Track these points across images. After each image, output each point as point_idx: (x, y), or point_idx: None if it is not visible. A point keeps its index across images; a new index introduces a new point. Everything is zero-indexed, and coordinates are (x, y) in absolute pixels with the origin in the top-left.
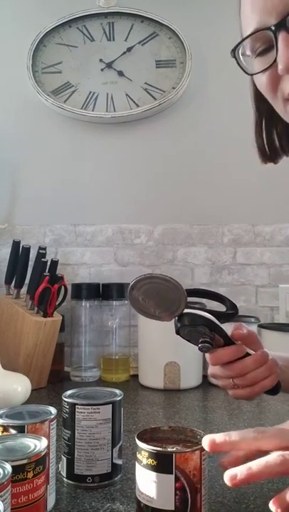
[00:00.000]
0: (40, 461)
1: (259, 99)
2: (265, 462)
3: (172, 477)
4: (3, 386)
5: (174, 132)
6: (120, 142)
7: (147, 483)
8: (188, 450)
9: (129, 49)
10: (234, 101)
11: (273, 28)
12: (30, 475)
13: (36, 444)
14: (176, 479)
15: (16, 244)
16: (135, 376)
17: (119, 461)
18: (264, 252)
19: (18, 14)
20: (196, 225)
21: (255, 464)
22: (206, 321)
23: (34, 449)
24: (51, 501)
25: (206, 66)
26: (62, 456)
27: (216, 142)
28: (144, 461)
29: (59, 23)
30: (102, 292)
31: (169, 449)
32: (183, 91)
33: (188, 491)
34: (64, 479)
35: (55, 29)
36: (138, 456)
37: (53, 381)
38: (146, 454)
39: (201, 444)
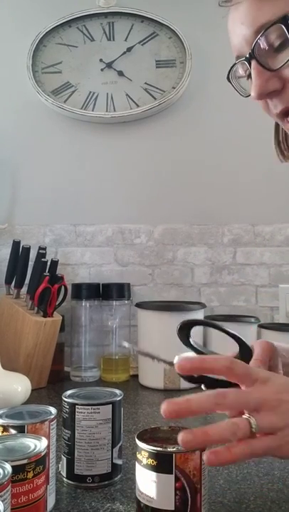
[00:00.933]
0: (40, 461)
1: None
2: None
3: (172, 477)
4: (3, 386)
5: (174, 132)
6: (120, 142)
7: (147, 483)
8: (188, 450)
9: (129, 49)
10: (234, 101)
11: (248, 56)
12: (30, 475)
13: (36, 444)
14: (176, 479)
15: (16, 244)
16: (135, 376)
17: (119, 461)
18: (264, 252)
19: (18, 14)
20: (196, 225)
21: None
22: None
23: (34, 449)
24: (51, 501)
25: (206, 66)
26: (62, 456)
27: (216, 142)
28: (144, 461)
29: (59, 23)
30: (102, 292)
31: (169, 449)
32: (183, 91)
33: (188, 491)
34: (64, 479)
35: (55, 29)
36: (138, 456)
37: (53, 381)
38: (146, 454)
39: None
